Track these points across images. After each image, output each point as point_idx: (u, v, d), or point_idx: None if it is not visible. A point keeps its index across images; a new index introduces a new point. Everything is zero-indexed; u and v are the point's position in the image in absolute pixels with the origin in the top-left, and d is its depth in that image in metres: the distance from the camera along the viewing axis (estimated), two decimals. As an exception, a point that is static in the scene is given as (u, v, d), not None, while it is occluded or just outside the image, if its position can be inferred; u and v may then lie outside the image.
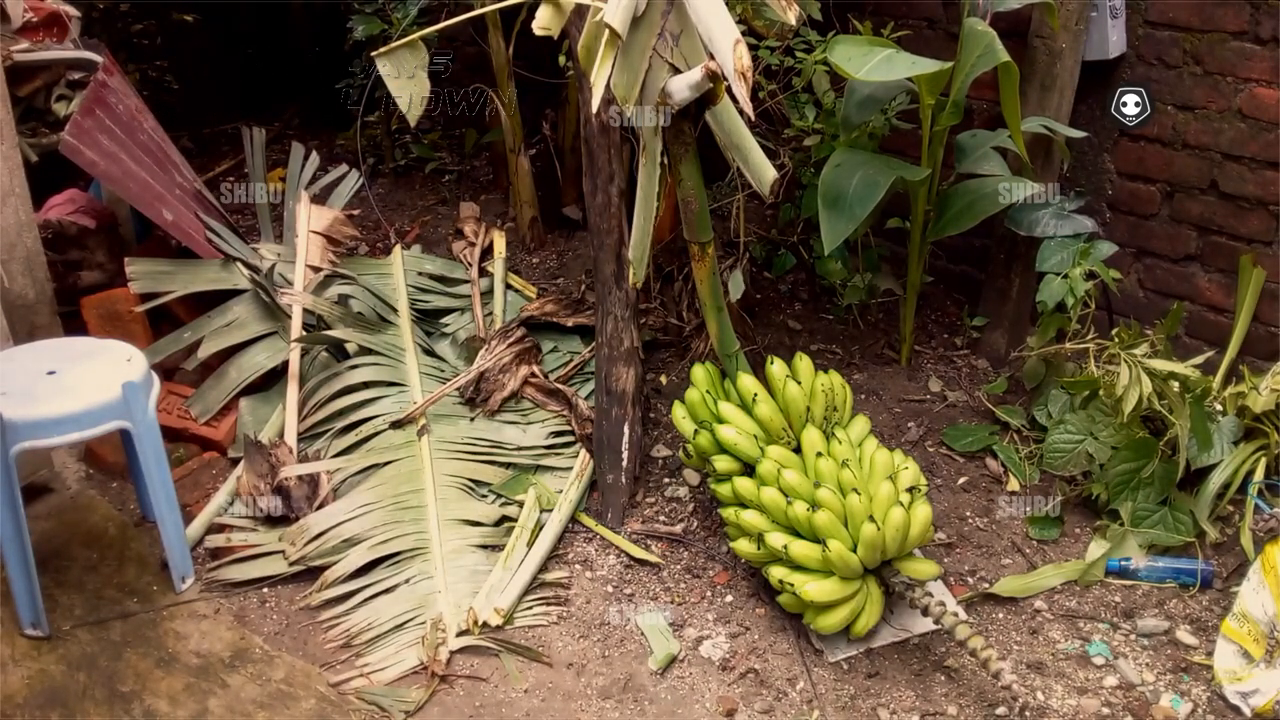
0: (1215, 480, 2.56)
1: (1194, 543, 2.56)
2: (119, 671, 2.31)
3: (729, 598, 2.55)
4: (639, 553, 2.66)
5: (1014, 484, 2.84)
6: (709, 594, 2.56)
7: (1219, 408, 2.69)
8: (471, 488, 2.80)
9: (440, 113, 4.82)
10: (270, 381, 3.08)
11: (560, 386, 3.06)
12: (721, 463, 2.50)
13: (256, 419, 2.99)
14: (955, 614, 2.31)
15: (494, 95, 3.77)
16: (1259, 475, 2.55)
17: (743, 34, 1.99)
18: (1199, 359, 2.82)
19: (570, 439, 2.97)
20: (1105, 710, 2.23)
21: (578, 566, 2.65)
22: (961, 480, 2.88)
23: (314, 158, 3.79)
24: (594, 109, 2.11)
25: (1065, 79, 2.94)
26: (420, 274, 3.55)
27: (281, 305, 3.12)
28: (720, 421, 2.52)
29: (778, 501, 2.35)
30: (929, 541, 2.62)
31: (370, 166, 4.51)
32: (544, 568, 2.61)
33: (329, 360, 3.12)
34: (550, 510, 2.74)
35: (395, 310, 3.35)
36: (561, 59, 3.48)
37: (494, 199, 4.22)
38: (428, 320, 3.40)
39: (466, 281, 3.58)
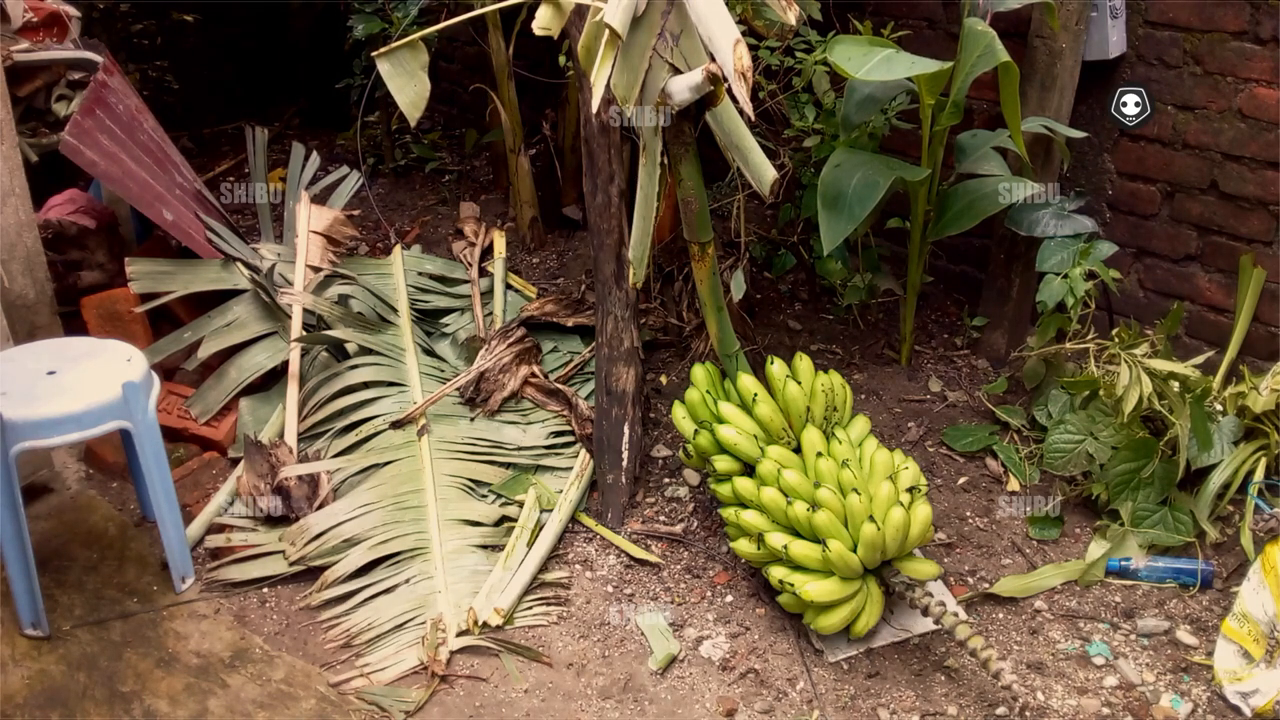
0: (1215, 480, 2.56)
1: (1194, 543, 2.56)
2: (119, 671, 2.31)
3: (729, 598, 2.55)
4: (639, 553, 2.66)
5: (1014, 484, 2.84)
6: (709, 594, 2.56)
7: (1219, 408, 2.69)
8: (471, 488, 2.80)
9: (440, 113, 4.84)
10: (270, 381, 3.08)
11: (560, 386, 3.06)
12: (721, 463, 2.50)
13: (256, 419, 2.99)
14: (955, 614, 2.31)
15: (494, 95, 3.77)
16: (1259, 475, 2.55)
17: (743, 34, 1.99)
18: (1199, 359, 2.82)
19: (570, 439, 2.97)
20: (1105, 710, 2.23)
21: (578, 566, 2.65)
22: (961, 480, 2.88)
23: (314, 158, 3.79)
24: (594, 109, 2.11)
25: (1065, 79, 2.94)
26: (420, 274, 3.55)
27: (281, 305, 3.12)
28: (720, 421, 2.51)
29: (778, 501, 2.35)
30: (929, 541, 2.62)
31: (370, 166, 4.51)
32: (544, 568, 2.61)
33: (329, 360, 3.12)
34: (550, 510, 2.74)
35: (395, 310, 3.35)
36: (561, 59, 3.48)
37: (494, 199, 4.23)
38: (428, 320, 3.40)
39: (466, 281, 3.58)
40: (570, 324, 3.27)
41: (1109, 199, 3.14)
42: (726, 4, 2.05)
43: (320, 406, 2.98)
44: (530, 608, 2.50)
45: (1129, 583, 2.55)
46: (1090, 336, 2.86)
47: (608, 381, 2.87)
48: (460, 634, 2.42)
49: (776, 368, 2.52)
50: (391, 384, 3.06)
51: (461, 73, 4.70)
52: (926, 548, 2.65)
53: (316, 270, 3.32)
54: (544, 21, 2.22)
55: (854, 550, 2.28)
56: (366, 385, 3.04)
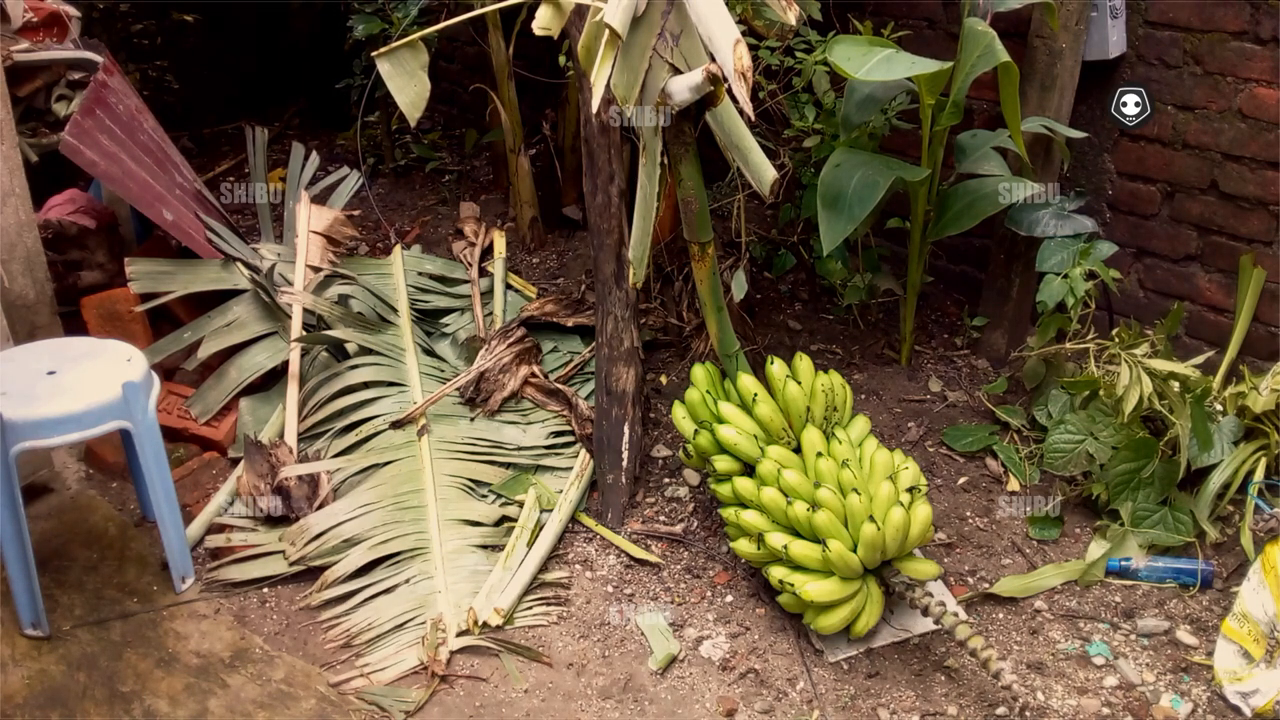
0: (1215, 480, 2.56)
1: (1194, 543, 2.56)
2: (119, 671, 2.31)
3: (729, 598, 2.55)
4: (639, 553, 2.66)
5: (1014, 484, 2.84)
6: (709, 594, 2.56)
7: (1219, 408, 2.69)
8: (471, 488, 2.80)
9: (440, 113, 4.84)
10: (270, 381, 3.08)
11: (560, 386, 3.06)
12: (721, 463, 2.50)
13: (256, 419, 2.99)
14: (955, 614, 2.31)
15: (494, 95, 3.77)
16: (1259, 475, 2.55)
17: (743, 34, 1.99)
18: (1199, 359, 2.82)
19: (570, 439, 2.97)
20: (1105, 710, 2.23)
21: (578, 566, 2.65)
22: (961, 480, 2.88)
23: (314, 158, 3.79)
24: (594, 109, 2.11)
25: (1065, 79, 2.94)
26: (420, 274, 3.55)
27: (281, 305, 3.12)
28: (720, 421, 2.51)
29: (778, 501, 2.35)
30: (929, 541, 2.62)
31: (370, 166, 4.51)
32: (544, 568, 2.61)
33: (329, 360, 3.12)
34: (550, 510, 2.74)
35: (395, 310, 3.35)
36: (561, 59, 3.48)
37: (494, 199, 4.23)
38: (428, 320, 3.40)
39: (466, 281, 3.58)
40: (570, 324, 3.27)
41: (1109, 199, 3.14)
42: (726, 4, 2.05)
43: (320, 406, 2.98)
44: (530, 608, 2.50)
45: (1129, 583, 2.55)
46: (1090, 336, 2.86)
47: (608, 381, 2.87)
48: (460, 634, 2.42)
49: (776, 368, 2.52)
50: (391, 384, 3.06)
51: (461, 73, 4.70)
52: (926, 548, 2.65)
53: (316, 270, 3.32)
54: (544, 21, 2.22)
55: (854, 550, 2.28)
56: (366, 385, 3.04)
